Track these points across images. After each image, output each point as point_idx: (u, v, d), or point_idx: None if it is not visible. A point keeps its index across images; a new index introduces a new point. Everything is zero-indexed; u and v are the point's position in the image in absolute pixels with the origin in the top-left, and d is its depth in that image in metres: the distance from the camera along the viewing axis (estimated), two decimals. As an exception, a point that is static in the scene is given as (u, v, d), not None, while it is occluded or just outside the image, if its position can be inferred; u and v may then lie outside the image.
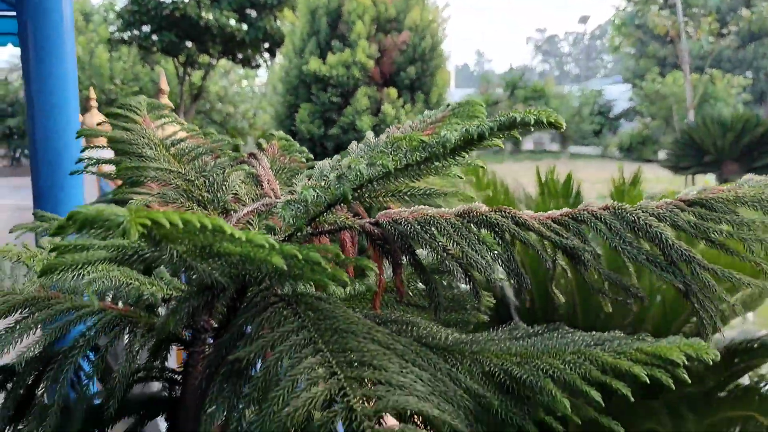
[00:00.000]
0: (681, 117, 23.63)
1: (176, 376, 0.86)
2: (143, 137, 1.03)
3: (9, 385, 0.95)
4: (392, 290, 0.99)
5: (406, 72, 10.76)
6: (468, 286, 0.78)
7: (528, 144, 31.95)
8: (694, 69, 25.12)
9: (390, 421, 0.56)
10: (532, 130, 0.65)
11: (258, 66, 15.76)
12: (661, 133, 25.19)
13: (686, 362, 0.60)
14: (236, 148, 1.12)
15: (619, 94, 32.02)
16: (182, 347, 0.87)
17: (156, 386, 0.93)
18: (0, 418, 0.79)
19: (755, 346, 2.83)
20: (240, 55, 15.12)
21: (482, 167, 0.99)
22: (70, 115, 1.81)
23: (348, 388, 0.57)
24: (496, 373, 0.67)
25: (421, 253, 0.91)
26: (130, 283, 0.83)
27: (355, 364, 0.59)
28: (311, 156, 1.21)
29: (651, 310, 2.94)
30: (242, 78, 19.78)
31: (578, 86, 35.64)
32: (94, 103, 5.02)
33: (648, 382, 0.59)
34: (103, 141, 2.16)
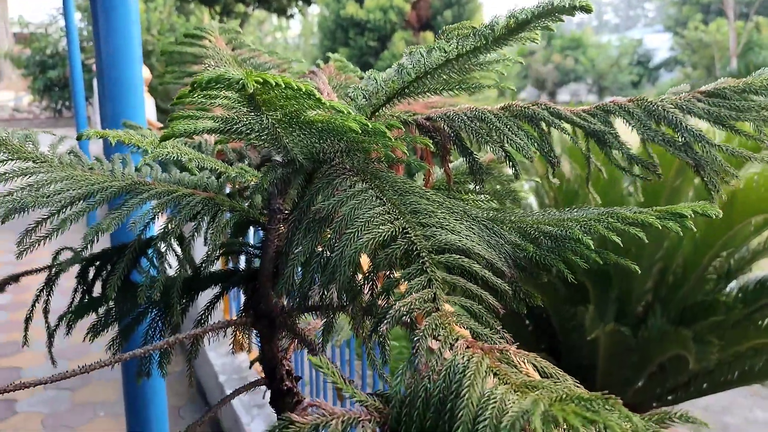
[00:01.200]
0: (723, 66, 22.97)
1: (256, 250, 1.01)
2: (217, 53, 1.16)
3: (108, 267, 1.11)
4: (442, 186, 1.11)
5: (442, 16, 10.72)
6: (511, 169, 0.90)
7: (564, 95, 31.43)
8: (738, 16, 24.26)
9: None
10: (565, 17, 0.75)
11: (292, 16, 15.77)
12: (703, 83, 24.55)
13: (692, 215, 0.71)
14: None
15: (659, 44, 31.16)
16: (259, 228, 1.01)
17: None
18: (111, 287, 0.94)
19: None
20: (275, 4, 15.12)
21: (512, 89, 1.10)
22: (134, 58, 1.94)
23: (409, 228, 0.70)
24: (531, 233, 0.80)
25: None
26: (217, 169, 0.96)
27: (413, 212, 0.72)
28: (364, 75, 1.33)
29: (682, 245, 3.03)
30: (276, 29, 19.80)
31: (617, 36, 34.73)
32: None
33: (660, 227, 0.71)
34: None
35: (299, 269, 0.74)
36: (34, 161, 0.98)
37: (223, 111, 1.24)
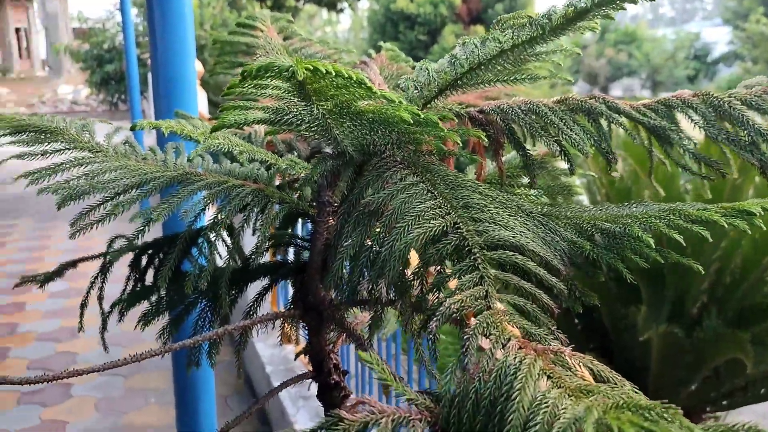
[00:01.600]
0: (787, 61, 22.08)
1: (305, 243, 1.00)
2: (269, 43, 1.16)
3: (159, 256, 1.12)
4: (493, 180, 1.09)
5: (493, 9, 10.61)
6: (566, 165, 0.88)
7: (616, 90, 30.73)
8: (804, 8, 23.28)
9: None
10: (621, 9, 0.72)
11: (342, 10, 15.84)
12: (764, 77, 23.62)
13: (761, 212, 0.67)
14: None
15: (718, 37, 30.16)
16: (308, 220, 1.01)
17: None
18: (162, 277, 0.95)
19: None
20: (325, -2, 15.22)
21: (569, 80, 1.07)
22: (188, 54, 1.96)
23: (461, 223, 0.68)
24: (588, 229, 0.77)
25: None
26: (267, 161, 0.96)
27: (465, 207, 0.71)
28: (416, 65, 1.31)
29: (741, 244, 2.92)
30: (326, 23, 19.91)
31: (673, 29, 33.78)
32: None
33: (725, 226, 0.67)
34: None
35: (348, 263, 0.74)
36: (90, 151, 1.00)
37: (273, 101, 1.25)
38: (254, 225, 0.98)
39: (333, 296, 0.97)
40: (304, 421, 2.88)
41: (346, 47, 1.22)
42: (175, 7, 1.83)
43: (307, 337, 0.97)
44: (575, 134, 0.82)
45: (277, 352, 3.46)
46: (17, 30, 28.17)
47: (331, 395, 0.94)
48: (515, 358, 0.52)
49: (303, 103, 0.70)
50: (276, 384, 3.17)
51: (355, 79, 0.62)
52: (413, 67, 1.34)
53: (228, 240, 0.98)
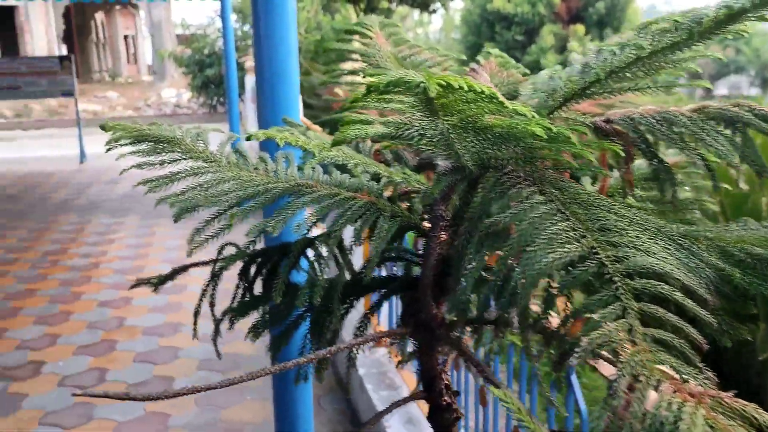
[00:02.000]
0: None
1: (416, 258, 0.97)
2: (379, 51, 1.13)
3: (268, 265, 1.12)
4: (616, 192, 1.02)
5: (594, 7, 10.25)
6: (711, 180, 0.80)
7: (722, 89, 29.10)
8: None
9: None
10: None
11: (435, 11, 15.80)
12: None
13: None
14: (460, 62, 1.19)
15: (839, 30, 27.98)
16: (419, 235, 0.97)
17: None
18: (277, 291, 0.94)
19: None
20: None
21: (709, 87, 0.99)
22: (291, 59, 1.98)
23: (599, 248, 0.63)
24: (735, 254, 0.69)
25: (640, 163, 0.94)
26: (380, 174, 0.94)
27: (602, 229, 0.65)
28: (528, 71, 1.25)
29: None
30: (417, 24, 19.91)
31: (788, 22, 31.60)
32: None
33: None
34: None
35: (469, 286, 0.70)
36: (204, 161, 1.01)
37: (379, 114, 1.22)
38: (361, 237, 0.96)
39: (444, 314, 0.94)
40: (396, 425, 2.85)
41: (457, 53, 1.18)
42: (279, 11, 1.85)
43: (417, 356, 0.93)
44: (721, 145, 0.75)
45: (369, 355, 3.46)
46: (125, 37, 29.87)
47: (442, 417, 0.91)
48: (673, 405, 0.47)
49: (428, 118, 0.67)
50: (369, 386, 3.17)
51: (487, 93, 0.58)
52: (524, 74, 1.29)
53: (338, 253, 0.96)
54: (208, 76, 17.29)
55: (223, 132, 1.16)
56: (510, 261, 0.65)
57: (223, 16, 7.81)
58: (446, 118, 0.66)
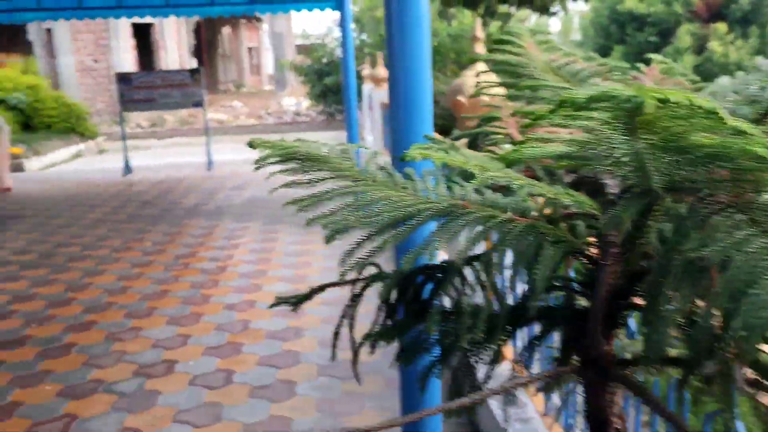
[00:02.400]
0: None
1: (582, 288, 0.89)
2: (533, 61, 1.05)
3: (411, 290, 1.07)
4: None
5: (737, 3, 9.52)
6: None
7: None
8: None
9: None
10: None
11: (555, 14, 15.36)
12: None
13: None
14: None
15: None
16: (587, 262, 0.89)
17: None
18: (432, 319, 0.88)
19: None
20: (538, 2, 14.82)
21: None
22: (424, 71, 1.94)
23: (841, 294, 0.52)
24: None
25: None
26: (542, 195, 0.86)
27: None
28: (696, 78, 1.13)
29: None
30: (536, 27, 19.44)
31: None
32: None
33: None
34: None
35: (667, 325, 0.61)
36: (352, 179, 0.97)
37: (514, 124, 1.14)
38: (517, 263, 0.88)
39: (613, 350, 0.84)
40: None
41: (619, 62, 1.08)
42: (415, 24, 1.81)
43: (585, 397, 0.85)
44: None
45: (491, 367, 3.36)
46: (249, 49, 31.35)
47: (612, 465, 0.81)
48: None
49: (623, 136, 0.58)
50: (493, 402, 3.07)
51: (706, 108, 0.49)
52: (693, 83, 1.16)
53: (494, 280, 0.89)
54: (327, 84, 17.75)
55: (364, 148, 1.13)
56: (720, 302, 0.56)
57: (343, 25, 7.95)
58: (645, 137, 0.57)
